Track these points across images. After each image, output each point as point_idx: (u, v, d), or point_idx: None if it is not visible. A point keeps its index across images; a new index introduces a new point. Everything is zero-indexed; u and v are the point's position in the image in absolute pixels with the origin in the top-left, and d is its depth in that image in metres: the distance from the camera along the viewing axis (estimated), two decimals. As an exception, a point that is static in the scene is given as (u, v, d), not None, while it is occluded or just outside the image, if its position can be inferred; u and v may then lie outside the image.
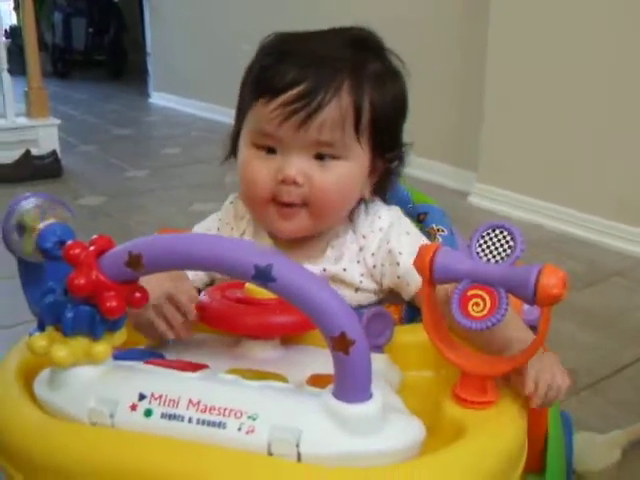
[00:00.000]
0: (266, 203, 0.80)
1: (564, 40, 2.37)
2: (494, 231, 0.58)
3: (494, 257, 0.58)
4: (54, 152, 3.21)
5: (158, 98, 5.32)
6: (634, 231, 2.25)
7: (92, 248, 0.56)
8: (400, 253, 0.81)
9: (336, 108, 0.76)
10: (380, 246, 0.82)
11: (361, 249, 0.83)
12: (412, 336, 0.76)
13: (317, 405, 0.54)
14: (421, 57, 2.96)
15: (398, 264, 0.81)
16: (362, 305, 0.83)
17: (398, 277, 0.82)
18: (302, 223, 0.80)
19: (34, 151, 3.17)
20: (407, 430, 0.56)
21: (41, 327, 0.60)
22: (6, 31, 4.54)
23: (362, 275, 0.83)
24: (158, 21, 5.19)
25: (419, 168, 2.99)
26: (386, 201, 0.89)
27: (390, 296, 0.85)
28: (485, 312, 0.59)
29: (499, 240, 0.58)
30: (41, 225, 0.64)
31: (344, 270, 0.82)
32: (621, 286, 2.01)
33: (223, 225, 0.89)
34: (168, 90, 5.19)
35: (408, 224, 0.86)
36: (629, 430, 1.25)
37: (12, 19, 6.33)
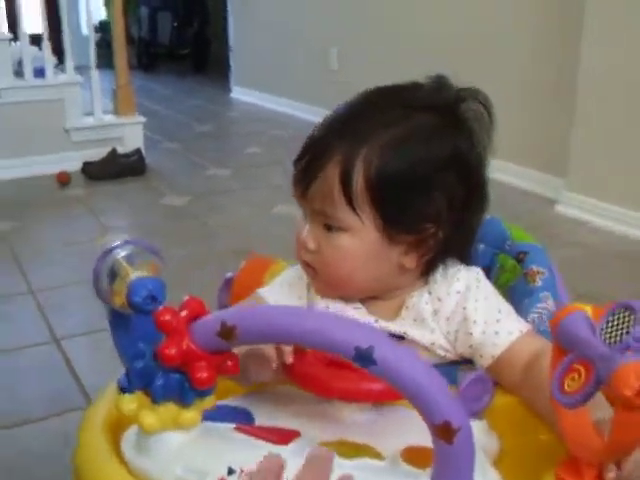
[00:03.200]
0: (302, 263, 0.81)
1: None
2: (626, 310, 0.53)
3: (614, 337, 0.53)
4: (139, 150, 3.28)
5: (239, 93, 5.37)
6: None
7: (183, 314, 0.54)
8: (475, 322, 0.76)
9: (323, 180, 0.75)
10: (455, 311, 0.77)
11: (436, 312, 0.78)
12: (509, 399, 0.72)
13: (414, 490, 0.51)
14: (512, 57, 2.88)
15: (471, 334, 0.76)
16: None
17: (470, 346, 0.76)
18: (321, 286, 0.81)
19: (119, 149, 3.25)
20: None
21: (129, 379, 0.59)
22: (95, 26, 4.64)
23: (435, 340, 0.78)
24: (242, 15, 5.22)
25: (503, 172, 2.89)
26: (468, 257, 0.83)
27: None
28: (575, 388, 0.54)
29: (624, 320, 0.53)
30: (133, 276, 0.63)
31: (422, 335, 0.77)
32: None
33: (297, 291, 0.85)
34: (249, 85, 5.22)
35: (488, 288, 0.80)
36: None
37: (101, 14, 6.49)
